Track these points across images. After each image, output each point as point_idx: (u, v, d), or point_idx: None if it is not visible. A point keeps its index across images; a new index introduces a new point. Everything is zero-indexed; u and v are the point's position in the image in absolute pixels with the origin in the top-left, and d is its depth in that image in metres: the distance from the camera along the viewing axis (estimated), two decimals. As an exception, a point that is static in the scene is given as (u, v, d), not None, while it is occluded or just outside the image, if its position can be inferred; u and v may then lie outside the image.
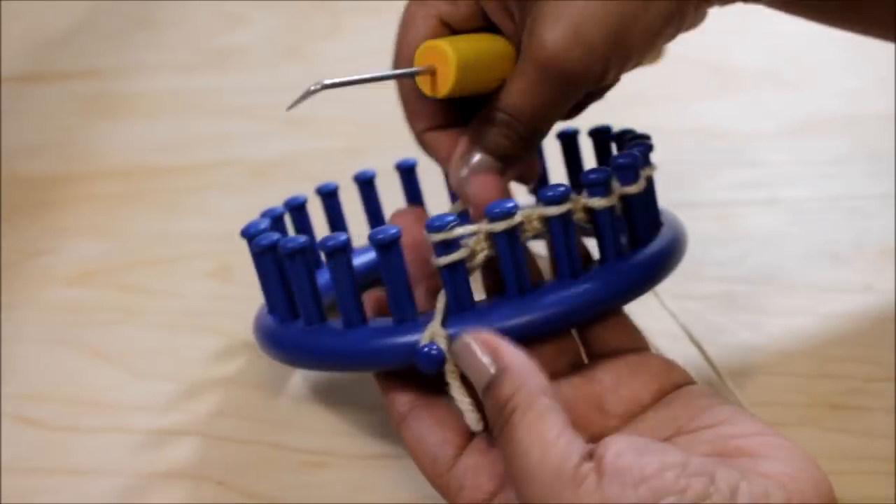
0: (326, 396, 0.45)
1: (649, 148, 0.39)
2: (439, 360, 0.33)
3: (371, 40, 0.68)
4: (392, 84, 0.39)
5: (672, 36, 0.37)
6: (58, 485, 0.41)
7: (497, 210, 0.34)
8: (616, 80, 0.37)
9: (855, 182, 0.56)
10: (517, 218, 0.34)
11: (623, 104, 0.60)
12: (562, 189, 0.35)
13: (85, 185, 0.56)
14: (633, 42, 0.34)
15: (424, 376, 0.34)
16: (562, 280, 0.35)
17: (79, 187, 0.56)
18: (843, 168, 0.57)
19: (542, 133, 0.37)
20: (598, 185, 0.36)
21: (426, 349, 0.33)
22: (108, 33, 0.67)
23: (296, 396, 0.45)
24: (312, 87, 0.33)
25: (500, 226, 0.34)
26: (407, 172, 0.47)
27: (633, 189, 0.37)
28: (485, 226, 0.34)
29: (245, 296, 0.49)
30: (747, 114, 0.60)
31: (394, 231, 0.34)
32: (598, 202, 0.35)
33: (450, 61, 0.35)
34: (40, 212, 0.54)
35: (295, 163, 0.60)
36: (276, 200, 0.44)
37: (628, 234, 0.37)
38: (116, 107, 0.62)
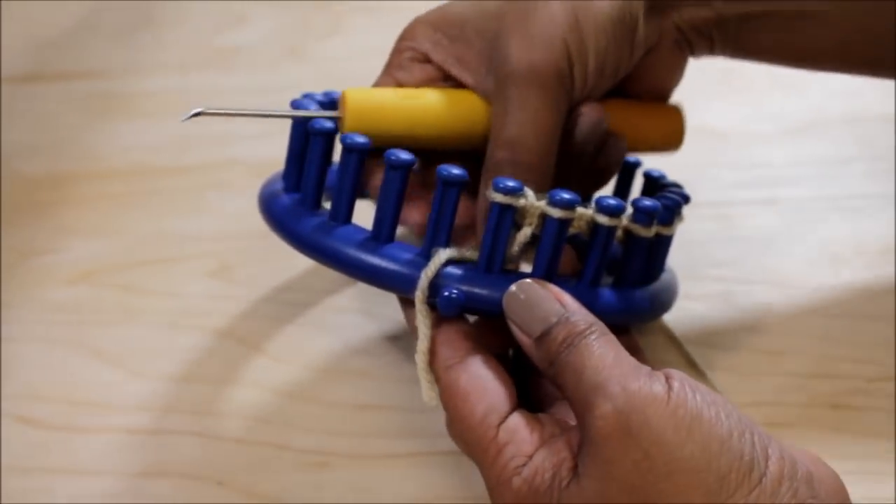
0: (326, 396, 0.45)
1: (686, 200, 0.41)
2: (459, 304, 0.34)
3: (371, 40, 0.68)
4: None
5: (627, 40, 0.39)
6: (58, 485, 0.42)
7: (559, 197, 0.34)
8: (588, 84, 0.38)
9: (855, 182, 0.56)
10: (573, 212, 0.35)
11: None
12: (619, 203, 0.36)
13: (85, 185, 0.56)
14: (587, 33, 0.37)
15: (485, 326, 0.35)
16: (582, 283, 0.37)
17: (79, 187, 0.56)
18: (843, 168, 0.57)
19: (548, 156, 0.37)
20: (647, 215, 0.37)
21: (447, 293, 0.34)
22: (108, 33, 0.67)
23: (296, 396, 0.45)
24: (192, 113, 0.36)
25: (557, 212, 0.34)
26: None
27: (667, 231, 0.39)
28: (545, 206, 0.35)
29: (245, 296, 0.49)
30: (748, 114, 0.60)
31: (459, 173, 0.35)
32: (640, 229, 0.37)
33: (346, 103, 0.37)
34: (40, 212, 0.54)
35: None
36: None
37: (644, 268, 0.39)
38: (116, 107, 0.62)
